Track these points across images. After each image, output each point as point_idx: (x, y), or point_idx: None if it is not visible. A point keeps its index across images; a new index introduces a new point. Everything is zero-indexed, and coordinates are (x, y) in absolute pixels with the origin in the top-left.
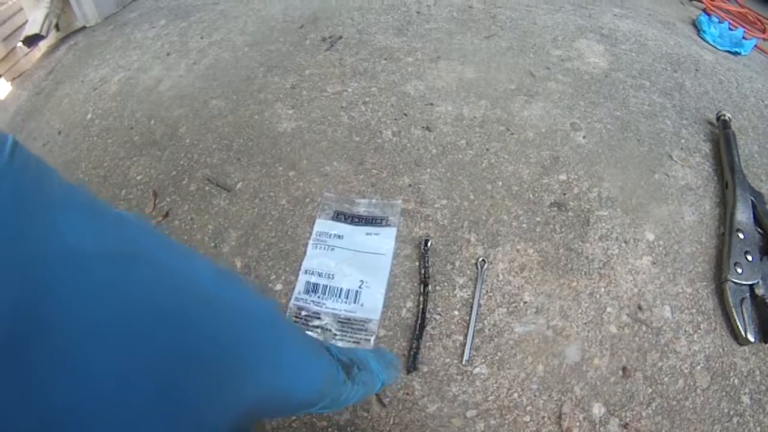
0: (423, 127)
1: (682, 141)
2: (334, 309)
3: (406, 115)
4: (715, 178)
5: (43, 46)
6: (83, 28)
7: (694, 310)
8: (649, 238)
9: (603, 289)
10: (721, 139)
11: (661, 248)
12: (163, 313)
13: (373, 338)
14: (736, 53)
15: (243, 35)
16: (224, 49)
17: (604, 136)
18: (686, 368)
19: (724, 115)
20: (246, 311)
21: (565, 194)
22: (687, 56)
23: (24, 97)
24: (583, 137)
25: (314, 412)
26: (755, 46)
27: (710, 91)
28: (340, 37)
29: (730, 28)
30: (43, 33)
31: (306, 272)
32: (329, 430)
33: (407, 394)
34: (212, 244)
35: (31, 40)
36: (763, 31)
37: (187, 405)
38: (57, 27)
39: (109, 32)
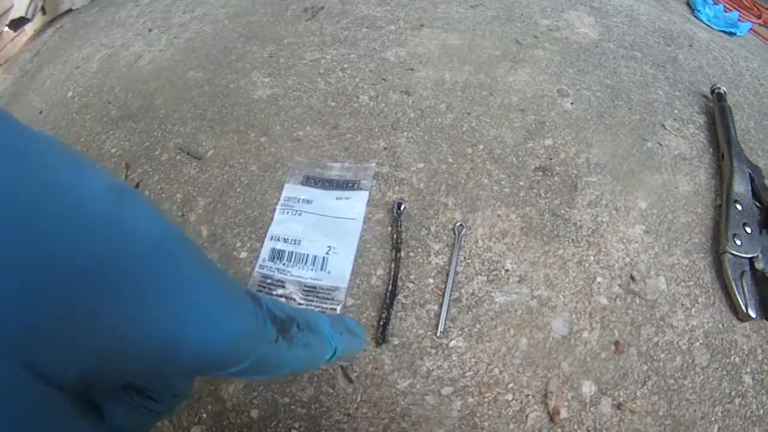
0: (402, 92)
1: (676, 111)
2: (299, 277)
3: (384, 80)
4: (711, 150)
5: (29, 30)
6: (70, 10)
7: (691, 283)
8: (642, 207)
9: (592, 258)
10: (716, 112)
11: (654, 217)
12: (20, 211)
13: (339, 307)
14: (731, 33)
15: (225, 8)
16: (205, 23)
17: (593, 102)
18: (684, 344)
19: (719, 88)
20: (135, 228)
21: (551, 159)
22: (681, 32)
23: (9, 81)
24: (571, 103)
25: (240, 377)
26: (750, 29)
27: (704, 66)
28: (322, 8)
29: (725, 11)
30: (29, 16)
31: (272, 239)
32: (292, 406)
33: (376, 368)
34: (180, 213)
35: (17, 24)
36: (759, 17)
37: (38, 331)
38: (43, 10)
39: (94, 13)
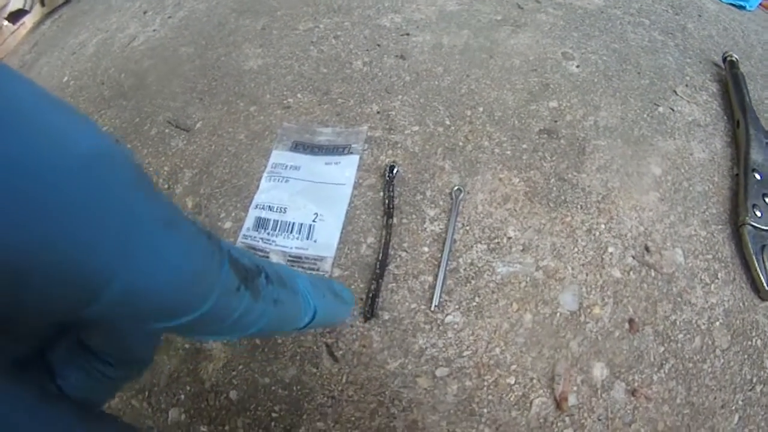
0: (397, 56)
1: (687, 78)
2: (284, 246)
3: (379, 45)
4: (725, 117)
5: (29, 22)
6: (68, 1)
7: (709, 257)
8: (656, 173)
9: (603, 226)
10: (729, 79)
11: (669, 184)
12: None
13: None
14: (740, 7)
15: None
16: (199, 1)
17: (600, 66)
18: (703, 324)
19: (731, 56)
20: (63, 135)
21: (556, 121)
22: (689, 2)
23: None
24: (577, 66)
25: (198, 335)
26: (760, 4)
27: (714, 36)
28: None
29: None
30: (27, 8)
31: (257, 207)
32: (273, 387)
33: (364, 346)
34: (166, 186)
35: (16, 16)
36: None
37: None
38: (42, 2)
39: (92, 1)
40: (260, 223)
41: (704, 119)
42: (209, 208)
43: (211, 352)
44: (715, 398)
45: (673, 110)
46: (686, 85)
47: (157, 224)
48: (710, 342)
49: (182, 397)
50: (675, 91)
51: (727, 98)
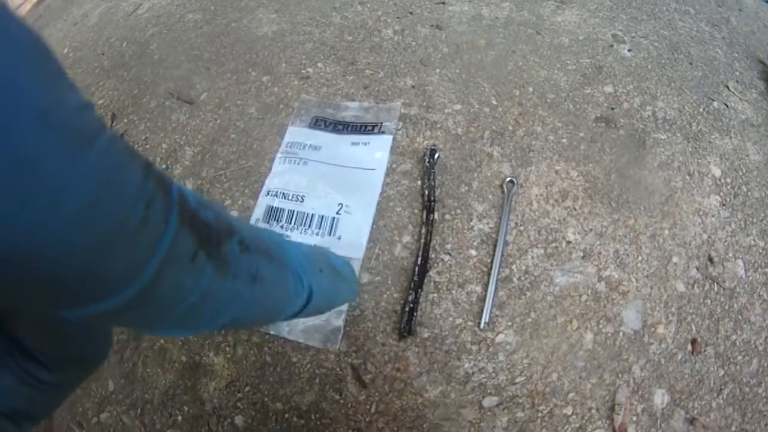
0: (432, 26)
1: (737, 74)
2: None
3: (411, 13)
4: None
5: None
6: None
7: (767, 270)
8: (716, 174)
9: (667, 232)
10: None
11: (728, 187)
12: None
13: None
14: None
15: None
16: None
17: (652, 52)
18: (761, 344)
19: None
20: None
21: (613, 109)
22: None
23: None
24: (629, 50)
25: (125, 325)
26: None
27: (756, 32)
28: None
29: None
30: None
31: (268, 194)
32: (286, 415)
33: (398, 369)
34: (164, 166)
35: None
36: None
37: None
38: None
39: None
40: (272, 214)
41: (756, 119)
42: (212, 193)
43: (212, 367)
44: (766, 425)
45: (727, 106)
46: (737, 81)
47: (53, 130)
48: (766, 364)
49: (179, 418)
50: (727, 86)
51: None
